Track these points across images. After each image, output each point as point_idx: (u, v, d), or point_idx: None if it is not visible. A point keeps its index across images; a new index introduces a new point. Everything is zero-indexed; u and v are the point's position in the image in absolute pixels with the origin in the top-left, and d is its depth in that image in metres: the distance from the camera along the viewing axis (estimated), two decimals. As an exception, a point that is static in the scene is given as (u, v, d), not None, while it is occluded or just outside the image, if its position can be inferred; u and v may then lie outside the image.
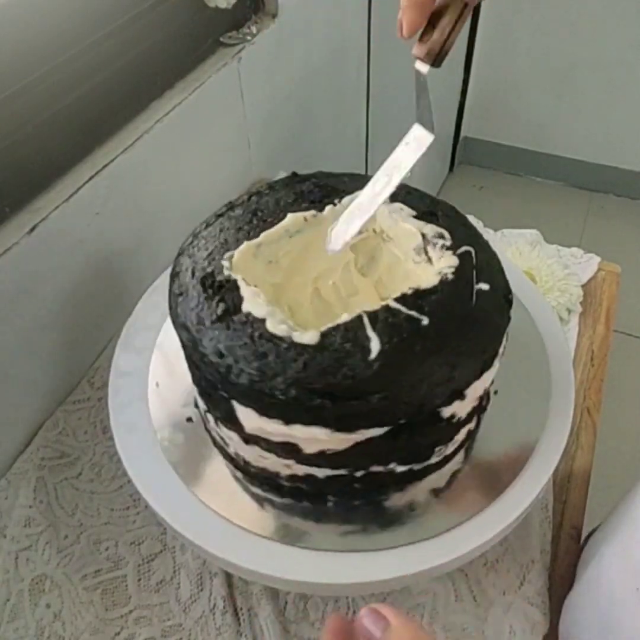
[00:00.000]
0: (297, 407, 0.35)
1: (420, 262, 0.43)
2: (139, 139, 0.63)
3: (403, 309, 0.38)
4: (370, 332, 0.37)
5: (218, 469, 0.45)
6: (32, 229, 0.53)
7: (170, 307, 0.41)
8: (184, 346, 0.40)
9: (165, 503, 0.42)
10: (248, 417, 0.38)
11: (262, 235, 0.43)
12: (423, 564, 0.39)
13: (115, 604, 0.49)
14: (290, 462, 0.40)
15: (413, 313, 0.37)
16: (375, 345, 0.36)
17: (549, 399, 0.47)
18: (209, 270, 0.41)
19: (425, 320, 0.37)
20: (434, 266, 0.41)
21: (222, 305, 0.39)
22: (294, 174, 0.49)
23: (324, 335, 0.37)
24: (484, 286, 0.40)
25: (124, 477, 0.55)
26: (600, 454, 0.59)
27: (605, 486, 0.62)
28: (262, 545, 0.40)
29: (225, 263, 0.41)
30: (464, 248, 0.41)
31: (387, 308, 0.38)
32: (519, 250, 0.72)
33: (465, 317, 0.38)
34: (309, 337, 0.36)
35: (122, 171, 0.61)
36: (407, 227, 0.43)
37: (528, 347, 0.50)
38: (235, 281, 0.40)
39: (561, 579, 0.49)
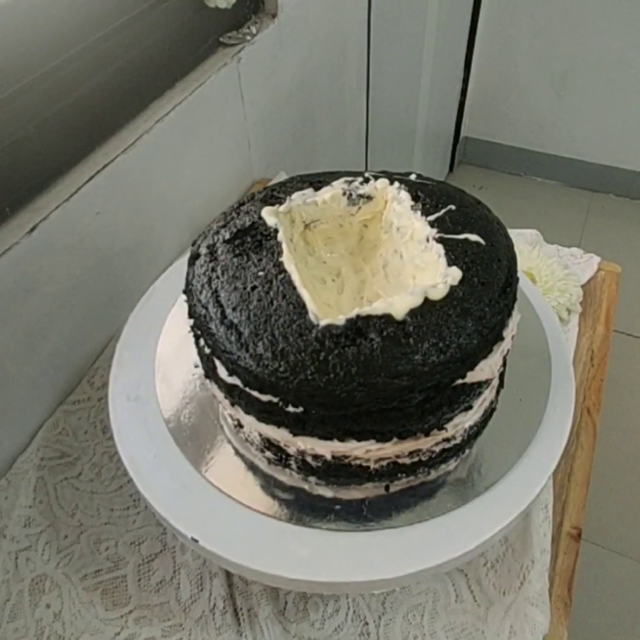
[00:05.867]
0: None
1: (425, 259, 0.42)
2: (139, 139, 0.63)
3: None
4: None
5: (222, 469, 0.45)
6: (33, 229, 0.53)
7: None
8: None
9: (166, 502, 0.42)
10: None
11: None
12: (423, 563, 0.39)
13: (115, 604, 0.49)
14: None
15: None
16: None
17: (549, 398, 0.47)
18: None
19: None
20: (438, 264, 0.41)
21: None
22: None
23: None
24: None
25: (124, 477, 0.55)
26: (600, 454, 0.59)
27: (605, 486, 0.62)
28: (264, 542, 0.40)
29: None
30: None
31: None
32: (518, 250, 0.71)
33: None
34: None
35: (122, 171, 0.61)
36: (417, 224, 0.43)
37: (528, 347, 0.50)
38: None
39: (561, 579, 0.49)
